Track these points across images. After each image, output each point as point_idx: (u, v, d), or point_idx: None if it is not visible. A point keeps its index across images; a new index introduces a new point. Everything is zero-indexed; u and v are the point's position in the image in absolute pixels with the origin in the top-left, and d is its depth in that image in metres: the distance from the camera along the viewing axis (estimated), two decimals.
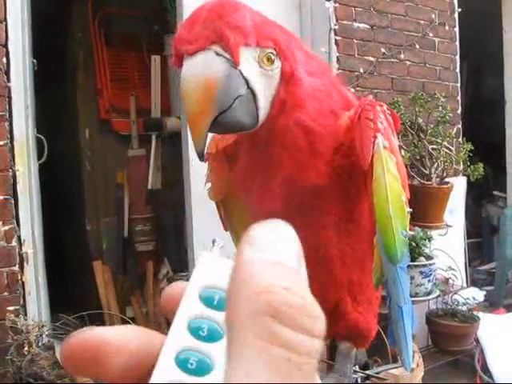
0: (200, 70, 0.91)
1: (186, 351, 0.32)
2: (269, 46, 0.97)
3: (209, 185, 1.39)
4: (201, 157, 0.97)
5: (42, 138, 2.59)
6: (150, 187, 3.88)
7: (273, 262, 0.29)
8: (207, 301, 0.33)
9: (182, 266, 3.60)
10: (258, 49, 0.96)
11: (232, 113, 0.95)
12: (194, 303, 0.33)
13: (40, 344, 2.18)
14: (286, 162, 1.07)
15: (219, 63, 0.91)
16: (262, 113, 1.00)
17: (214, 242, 0.38)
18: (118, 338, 0.32)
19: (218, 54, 0.91)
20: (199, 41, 0.90)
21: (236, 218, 1.42)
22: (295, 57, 1.01)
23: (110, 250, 3.93)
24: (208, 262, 0.35)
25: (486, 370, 3.07)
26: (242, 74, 0.94)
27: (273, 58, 0.98)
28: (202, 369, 0.31)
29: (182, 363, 0.31)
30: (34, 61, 2.57)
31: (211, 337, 0.32)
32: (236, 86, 0.94)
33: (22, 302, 2.36)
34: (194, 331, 0.32)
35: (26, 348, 2.12)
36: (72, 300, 3.33)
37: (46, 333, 2.27)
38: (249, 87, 0.96)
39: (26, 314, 2.33)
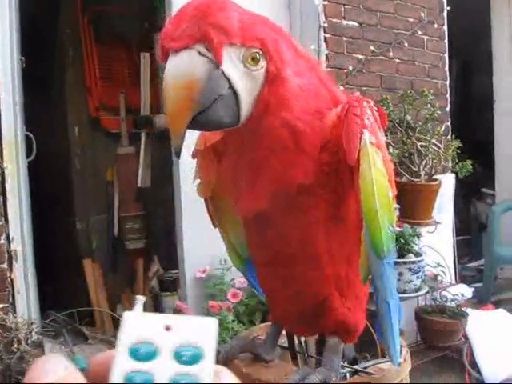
0: (182, 68, 0.92)
1: None
2: (254, 46, 0.97)
3: (198, 181, 1.39)
4: (177, 154, 0.98)
5: (31, 135, 2.58)
6: (139, 185, 3.87)
7: None
8: (135, 355, 0.37)
9: (171, 264, 3.60)
10: (242, 48, 0.96)
11: (211, 112, 0.96)
12: (124, 360, 0.37)
13: (29, 341, 2.18)
14: (272, 161, 1.07)
15: (201, 63, 0.92)
16: (244, 112, 1.00)
17: (135, 300, 0.45)
18: None
19: (200, 54, 0.91)
20: (184, 39, 0.91)
21: (224, 215, 1.43)
22: (282, 57, 1.01)
23: (100, 248, 3.92)
24: (131, 319, 0.40)
25: (474, 365, 3.09)
26: (224, 73, 0.95)
27: (258, 57, 0.98)
28: None
29: None
30: (22, 58, 2.56)
31: None
32: (217, 86, 0.95)
33: (11, 299, 2.36)
34: None
35: (15, 345, 2.12)
36: (62, 298, 3.32)
37: (36, 330, 2.27)
38: (231, 87, 0.97)
39: (15, 312, 2.33)
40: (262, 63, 0.99)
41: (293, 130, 1.05)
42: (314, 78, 1.10)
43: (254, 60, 0.97)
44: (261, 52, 0.98)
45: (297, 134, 1.06)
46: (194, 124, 0.95)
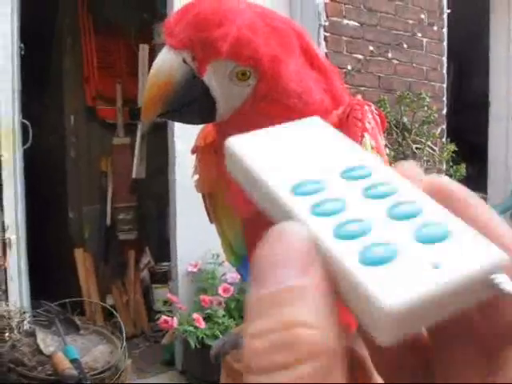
0: (165, 67, 0.93)
1: None
2: (246, 64, 0.96)
3: (196, 176, 1.40)
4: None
5: (28, 123, 2.58)
6: (134, 176, 3.87)
7: None
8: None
9: (163, 256, 3.61)
10: (233, 64, 0.95)
11: (183, 114, 0.99)
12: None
13: (21, 330, 2.18)
14: None
15: (183, 71, 0.93)
16: (219, 116, 1.01)
17: None
18: None
19: (185, 62, 0.93)
20: (176, 40, 0.92)
21: (221, 211, 1.43)
22: (279, 76, 0.98)
23: (92, 237, 3.92)
24: None
25: None
26: (204, 83, 0.95)
27: (248, 74, 0.97)
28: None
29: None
30: (22, 45, 2.55)
31: None
32: (193, 93, 0.96)
33: (3, 287, 2.36)
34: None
35: (7, 334, 2.12)
36: (53, 287, 3.32)
37: (28, 319, 2.27)
38: (209, 94, 0.97)
39: (7, 300, 2.33)
40: (252, 81, 0.97)
41: None
42: (319, 86, 1.09)
43: (244, 75, 0.97)
44: (252, 70, 0.97)
45: None
46: (166, 116, 0.98)
